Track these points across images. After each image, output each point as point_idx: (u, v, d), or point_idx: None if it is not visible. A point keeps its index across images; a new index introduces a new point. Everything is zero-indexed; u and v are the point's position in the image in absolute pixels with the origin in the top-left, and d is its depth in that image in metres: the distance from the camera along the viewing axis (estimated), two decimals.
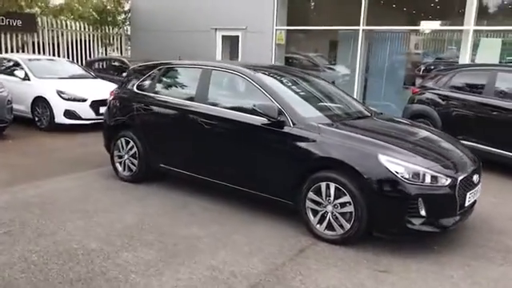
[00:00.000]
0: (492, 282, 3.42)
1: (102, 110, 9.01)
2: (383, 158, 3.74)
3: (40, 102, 8.78)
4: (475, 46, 9.81)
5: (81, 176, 5.78)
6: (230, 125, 4.63)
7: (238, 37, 12.83)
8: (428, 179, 3.70)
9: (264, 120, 4.31)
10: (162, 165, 5.29)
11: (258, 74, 4.74)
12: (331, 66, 12.71)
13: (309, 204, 4.08)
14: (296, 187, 4.14)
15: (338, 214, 3.91)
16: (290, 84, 5.03)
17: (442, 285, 3.37)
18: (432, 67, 10.78)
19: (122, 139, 5.59)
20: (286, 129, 4.21)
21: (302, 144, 4.10)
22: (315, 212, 4.06)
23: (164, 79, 5.50)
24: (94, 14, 16.16)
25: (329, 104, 5.11)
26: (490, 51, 9.78)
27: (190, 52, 12.62)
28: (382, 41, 11.41)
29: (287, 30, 12.26)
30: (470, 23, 9.72)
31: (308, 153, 4.05)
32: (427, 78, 8.22)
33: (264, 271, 3.45)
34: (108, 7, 16.35)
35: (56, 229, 4.06)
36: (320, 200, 4.00)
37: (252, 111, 4.41)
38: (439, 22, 11.70)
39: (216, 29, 13.16)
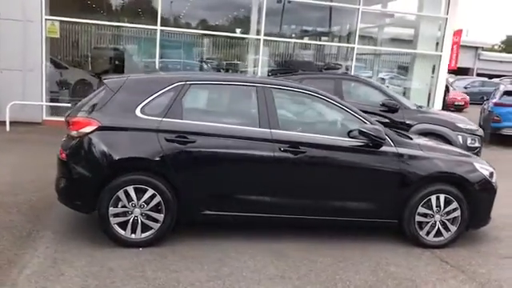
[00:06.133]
0: None
1: None
2: (478, 166, 4.51)
3: None
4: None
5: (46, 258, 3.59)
6: (320, 151, 4.14)
7: None
8: (492, 176, 4.64)
9: (356, 141, 4.21)
10: (207, 211, 4.03)
11: (328, 93, 4.39)
12: None
13: (418, 218, 4.34)
14: (404, 205, 4.30)
15: (445, 221, 4.38)
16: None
17: None
18: None
19: (129, 188, 3.84)
20: (389, 148, 4.25)
21: (413, 162, 4.29)
22: (420, 224, 4.37)
23: (193, 100, 4.12)
24: None
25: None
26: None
27: None
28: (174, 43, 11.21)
29: (61, 21, 10.05)
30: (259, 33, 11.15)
31: (421, 170, 4.28)
32: None
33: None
34: None
35: None
36: (429, 212, 4.34)
37: (337, 132, 4.32)
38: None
39: None
